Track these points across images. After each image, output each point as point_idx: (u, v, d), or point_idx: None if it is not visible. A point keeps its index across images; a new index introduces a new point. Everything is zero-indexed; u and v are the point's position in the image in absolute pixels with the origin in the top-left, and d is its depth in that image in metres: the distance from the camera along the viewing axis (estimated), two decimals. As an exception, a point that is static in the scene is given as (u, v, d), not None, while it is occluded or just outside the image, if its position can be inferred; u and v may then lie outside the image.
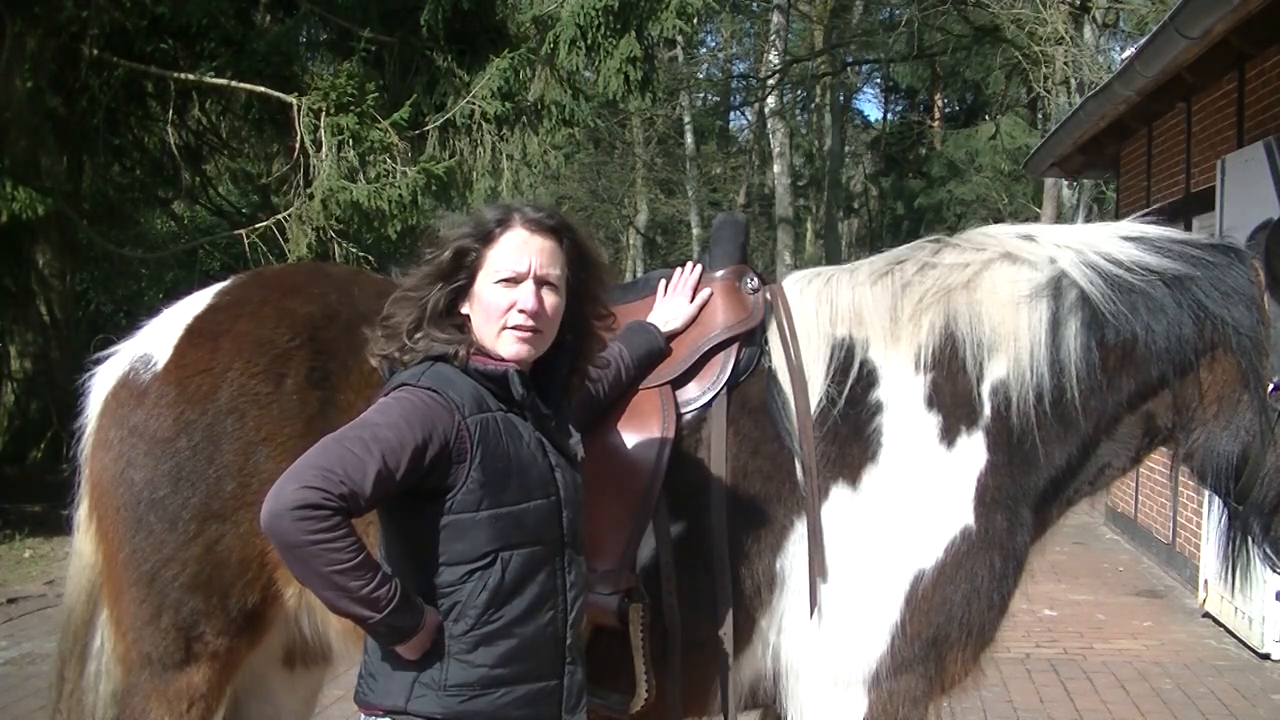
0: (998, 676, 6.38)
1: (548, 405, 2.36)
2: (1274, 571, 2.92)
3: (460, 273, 2.29)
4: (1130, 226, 2.92)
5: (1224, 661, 7.01)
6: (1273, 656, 6.94)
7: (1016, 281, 2.82)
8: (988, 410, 2.78)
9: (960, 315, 2.81)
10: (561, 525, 2.30)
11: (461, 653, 2.21)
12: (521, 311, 2.25)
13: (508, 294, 2.26)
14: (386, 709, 2.25)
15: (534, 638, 2.25)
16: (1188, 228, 8.91)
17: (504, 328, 2.26)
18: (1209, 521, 6.57)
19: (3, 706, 5.85)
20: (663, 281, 3.00)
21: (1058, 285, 2.79)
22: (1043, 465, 2.80)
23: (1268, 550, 2.86)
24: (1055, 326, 2.77)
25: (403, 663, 2.23)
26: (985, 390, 2.79)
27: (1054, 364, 2.76)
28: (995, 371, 2.79)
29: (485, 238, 2.28)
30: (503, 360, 2.27)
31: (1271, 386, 2.74)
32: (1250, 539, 2.87)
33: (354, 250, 10.73)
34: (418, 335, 2.27)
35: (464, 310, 2.31)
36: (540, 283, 2.28)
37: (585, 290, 2.40)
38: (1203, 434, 2.82)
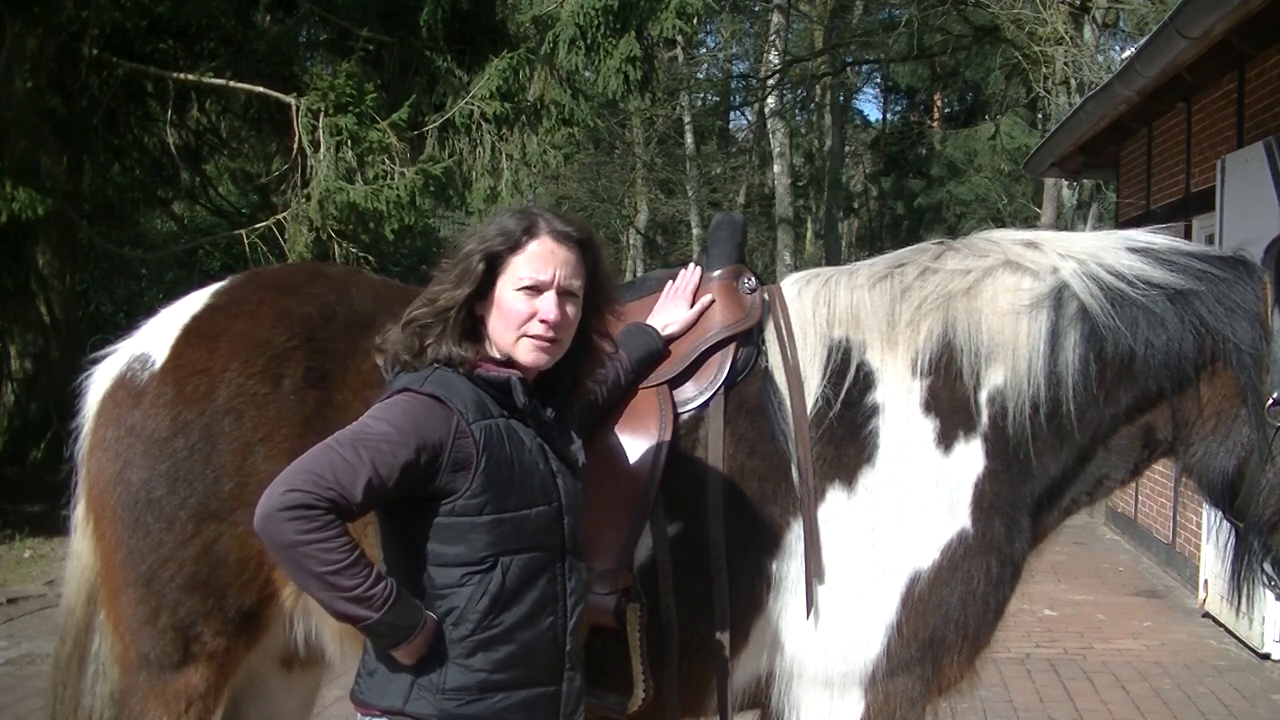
0: (998, 676, 6.37)
1: (549, 413, 2.36)
2: (1273, 592, 2.90)
3: (485, 278, 2.29)
4: (1137, 236, 2.89)
5: (1224, 661, 7.01)
6: (1273, 656, 6.93)
7: (1017, 290, 2.80)
8: (985, 418, 2.77)
9: (959, 322, 2.80)
10: (563, 532, 2.30)
11: (461, 657, 2.21)
12: (543, 322, 2.26)
13: (529, 302, 2.27)
14: (384, 709, 2.25)
15: (533, 643, 2.26)
16: (1188, 228, 8.91)
17: (523, 335, 2.28)
18: (1209, 522, 6.57)
19: (2, 706, 5.85)
20: (669, 284, 2.99)
21: (1059, 296, 2.77)
22: (1038, 474, 2.79)
23: (1267, 569, 2.84)
24: (1054, 338, 2.75)
25: (402, 664, 2.23)
26: (983, 398, 2.78)
27: (1051, 375, 2.75)
28: (993, 380, 2.78)
29: (513, 245, 2.29)
30: (519, 365, 2.29)
31: (1271, 402, 2.72)
32: (1251, 558, 2.85)
33: (354, 250, 10.73)
34: (436, 342, 2.27)
35: (478, 312, 2.32)
36: (562, 293, 2.29)
37: (594, 303, 2.41)
38: (1201, 448, 2.81)
